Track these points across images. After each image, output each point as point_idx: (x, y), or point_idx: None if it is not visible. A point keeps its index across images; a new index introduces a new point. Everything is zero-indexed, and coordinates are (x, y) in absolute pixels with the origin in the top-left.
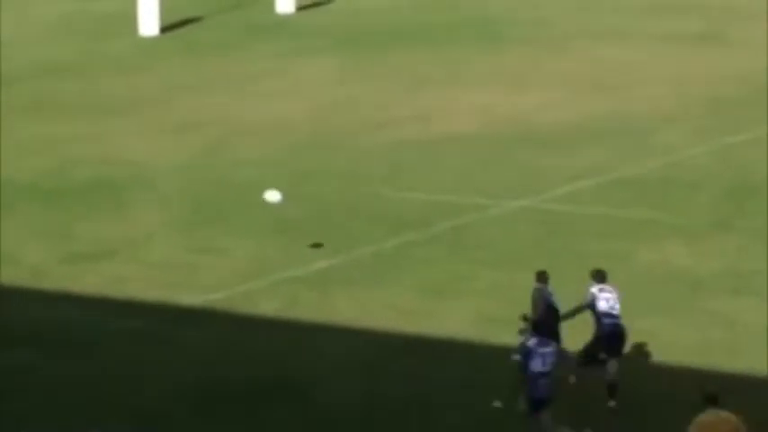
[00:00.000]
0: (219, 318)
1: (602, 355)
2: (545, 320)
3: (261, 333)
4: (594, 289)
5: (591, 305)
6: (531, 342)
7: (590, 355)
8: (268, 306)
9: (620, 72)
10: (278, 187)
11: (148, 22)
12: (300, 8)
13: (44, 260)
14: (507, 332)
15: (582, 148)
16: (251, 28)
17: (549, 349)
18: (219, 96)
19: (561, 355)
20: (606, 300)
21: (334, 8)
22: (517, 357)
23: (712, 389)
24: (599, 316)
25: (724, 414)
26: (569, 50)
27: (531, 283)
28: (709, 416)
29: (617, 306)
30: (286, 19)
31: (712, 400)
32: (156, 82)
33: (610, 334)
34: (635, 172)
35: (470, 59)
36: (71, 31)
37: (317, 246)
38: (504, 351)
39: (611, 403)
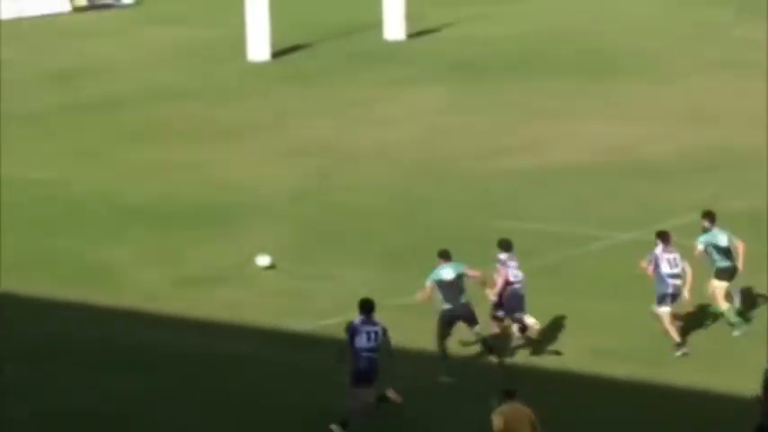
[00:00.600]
0: (331, 343)
1: None
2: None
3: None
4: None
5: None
6: (357, 320)
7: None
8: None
9: (734, 103)
10: (388, 214)
11: (258, 49)
12: (410, 36)
13: (157, 284)
14: (620, 365)
15: (694, 179)
16: (360, 55)
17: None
18: (329, 123)
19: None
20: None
21: (445, 36)
22: None
23: (510, 387)
24: None
25: (519, 405)
26: (682, 81)
27: (644, 314)
28: (508, 407)
29: None
30: (396, 46)
31: (510, 395)
32: (265, 108)
33: None
34: (749, 204)
35: (583, 90)
36: (182, 57)
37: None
38: (616, 383)
39: None
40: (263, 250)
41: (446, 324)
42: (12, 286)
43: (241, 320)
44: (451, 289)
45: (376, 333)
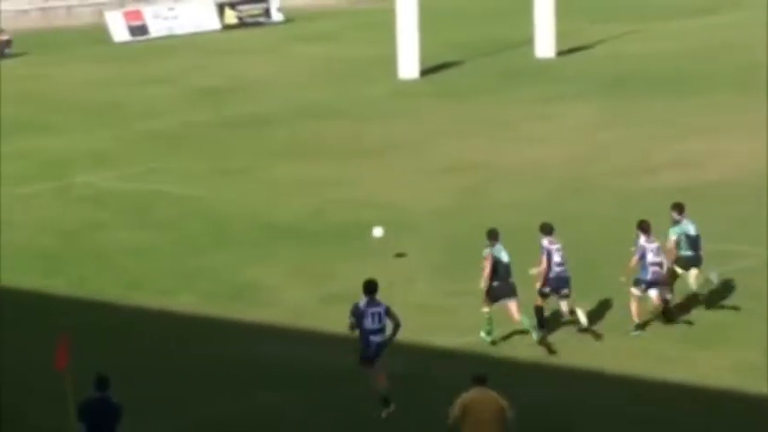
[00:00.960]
0: (476, 360)
1: None
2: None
3: (517, 377)
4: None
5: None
6: (362, 302)
7: None
8: (526, 350)
9: None
10: (536, 232)
11: (408, 66)
12: (560, 53)
13: (304, 300)
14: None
15: None
16: (510, 73)
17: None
18: (478, 140)
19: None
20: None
21: (595, 53)
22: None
23: (480, 371)
24: None
25: (487, 391)
26: None
27: None
28: (475, 392)
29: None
30: (546, 64)
31: (480, 381)
32: (415, 125)
33: None
34: None
35: (734, 107)
36: (332, 75)
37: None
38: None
39: None
40: (410, 267)
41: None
42: (160, 304)
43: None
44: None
45: (380, 314)
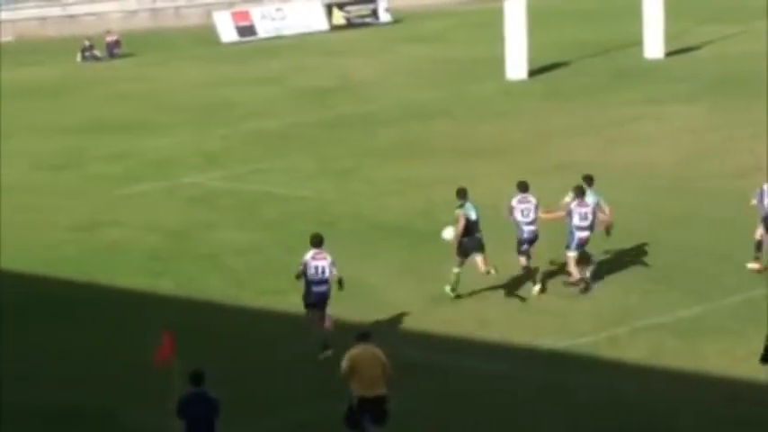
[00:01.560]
0: (585, 362)
1: None
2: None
3: (627, 379)
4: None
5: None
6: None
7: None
8: (633, 352)
9: None
10: (646, 233)
11: (516, 67)
12: (669, 54)
13: (410, 300)
14: None
15: None
16: (619, 73)
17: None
18: (586, 141)
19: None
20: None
21: (704, 54)
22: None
23: (365, 328)
24: None
25: (371, 347)
26: None
27: None
28: (359, 348)
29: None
30: (655, 64)
31: (363, 338)
32: (522, 126)
33: None
34: None
35: None
36: (438, 75)
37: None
38: None
39: None
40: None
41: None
42: (267, 303)
43: (494, 338)
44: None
45: (324, 267)
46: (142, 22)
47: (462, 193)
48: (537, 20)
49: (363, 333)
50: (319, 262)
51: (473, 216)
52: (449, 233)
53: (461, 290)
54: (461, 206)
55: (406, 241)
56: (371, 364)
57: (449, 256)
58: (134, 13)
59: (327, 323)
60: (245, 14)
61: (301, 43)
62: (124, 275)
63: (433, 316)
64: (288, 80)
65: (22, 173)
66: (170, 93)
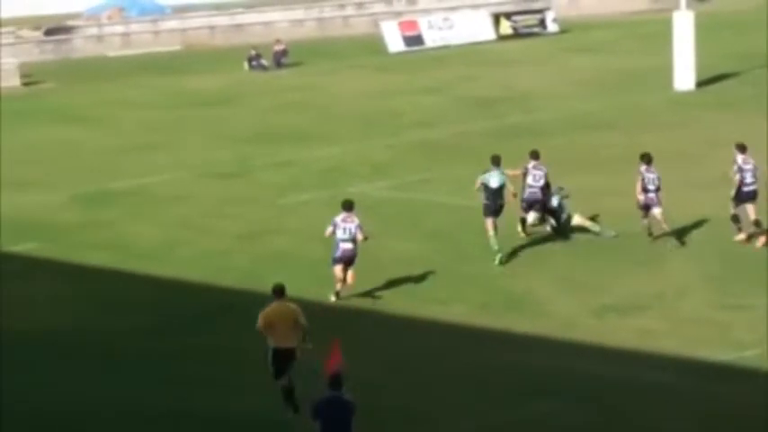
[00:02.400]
0: (751, 375)
1: None
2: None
3: None
4: None
5: None
6: (339, 217)
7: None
8: None
9: None
10: None
11: (684, 77)
12: None
13: (575, 312)
14: None
15: None
16: None
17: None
18: (756, 153)
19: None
20: None
21: None
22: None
23: (279, 283)
24: None
25: (285, 303)
26: None
27: None
28: (274, 305)
29: None
30: None
31: (279, 293)
32: (690, 136)
33: None
34: None
35: None
36: (606, 86)
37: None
38: None
39: None
40: (681, 279)
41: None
42: (433, 313)
43: (657, 349)
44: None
45: (351, 229)
46: (309, 32)
47: (495, 161)
48: (706, 30)
49: (278, 289)
50: (348, 224)
51: (493, 184)
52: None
53: (627, 303)
54: (486, 172)
55: (572, 251)
56: (284, 318)
57: (614, 267)
58: (301, 22)
59: (351, 280)
60: (413, 24)
61: (468, 53)
62: (291, 284)
63: (599, 328)
64: (454, 89)
65: (191, 181)
66: (336, 102)
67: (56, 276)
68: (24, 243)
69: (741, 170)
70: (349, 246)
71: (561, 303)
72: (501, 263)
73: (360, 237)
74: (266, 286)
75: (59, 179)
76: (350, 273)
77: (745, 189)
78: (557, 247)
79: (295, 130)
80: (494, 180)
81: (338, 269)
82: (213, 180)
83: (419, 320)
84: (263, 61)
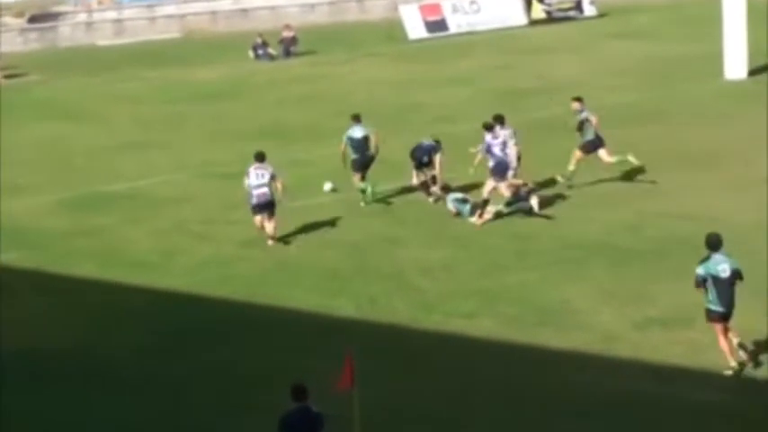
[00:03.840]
0: None
1: None
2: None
3: None
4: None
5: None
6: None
7: None
8: None
9: None
10: None
11: (735, 65)
12: None
13: (616, 325)
14: None
15: None
16: None
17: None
18: None
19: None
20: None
21: None
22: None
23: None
24: None
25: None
26: None
27: None
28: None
29: None
30: None
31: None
32: (742, 130)
33: None
34: None
35: None
36: (649, 75)
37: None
38: None
39: None
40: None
41: None
42: (459, 327)
43: (705, 365)
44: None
45: (264, 174)
46: (321, 17)
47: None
48: (757, 13)
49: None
50: (261, 170)
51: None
52: (328, 186)
53: (671, 315)
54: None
55: (612, 259)
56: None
57: (657, 275)
58: (312, 6)
59: (271, 230)
60: (436, 8)
61: (497, 39)
62: (299, 295)
63: (642, 342)
64: (482, 80)
65: (191, 182)
66: (351, 95)
67: (41, 289)
68: (6, 252)
69: None
70: (263, 190)
71: (600, 315)
72: (367, 202)
73: (279, 185)
74: (273, 298)
75: (45, 181)
76: (270, 224)
77: None
78: (595, 253)
79: (306, 126)
80: (358, 131)
81: (257, 219)
82: (215, 181)
83: (443, 335)
84: (271, 50)
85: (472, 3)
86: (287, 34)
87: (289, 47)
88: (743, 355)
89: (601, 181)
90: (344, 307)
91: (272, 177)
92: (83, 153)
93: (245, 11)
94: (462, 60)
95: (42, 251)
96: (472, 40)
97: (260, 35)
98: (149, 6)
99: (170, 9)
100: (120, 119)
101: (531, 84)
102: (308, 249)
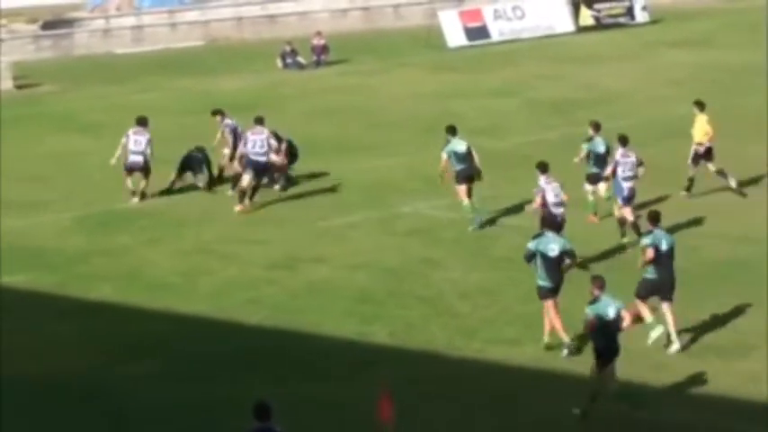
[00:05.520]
0: None
1: None
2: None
3: None
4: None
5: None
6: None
7: None
8: None
9: None
10: None
11: None
12: None
13: (666, 353)
14: None
15: None
16: None
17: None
18: None
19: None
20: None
21: None
22: None
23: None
24: None
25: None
26: None
27: None
28: None
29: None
30: None
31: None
32: None
33: None
34: None
35: None
36: (704, 85)
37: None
38: None
39: None
40: None
41: None
42: (500, 355)
43: (761, 399)
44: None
45: (141, 141)
46: (354, 23)
47: (451, 130)
48: None
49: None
50: (138, 137)
51: (460, 150)
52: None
53: (727, 343)
54: (448, 142)
55: None
56: None
57: (714, 300)
58: (344, 12)
59: (143, 187)
60: (476, 14)
61: (542, 47)
62: (330, 321)
63: (692, 370)
64: (525, 91)
65: (214, 199)
66: (386, 106)
67: (56, 314)
68: (19, 274)
69: None
70: (138, 158)
71: (650, 342)
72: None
73: (148, 151)
74: (303, 324)
75: (60, 198)
76: (143, 182)
77: None
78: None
79: (337, 139)
80: (460, 146)
81: (129, 181)
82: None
83: (484, 363)
84: (300, 58)
85: (515, 8)
86: (317, 42)
87: (319, 55)
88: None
89: (659, 200)
90: (378, 333)
91: (148, 142)
92: (99, 168)
93: (272, 17)
94: (505, 70)
95: (57, 272)
96: (516, 48)
97: (288, 43)
98: (170, 12)
99: (192, 15)
100: None
101: (578, 94)
102: (340, 271)
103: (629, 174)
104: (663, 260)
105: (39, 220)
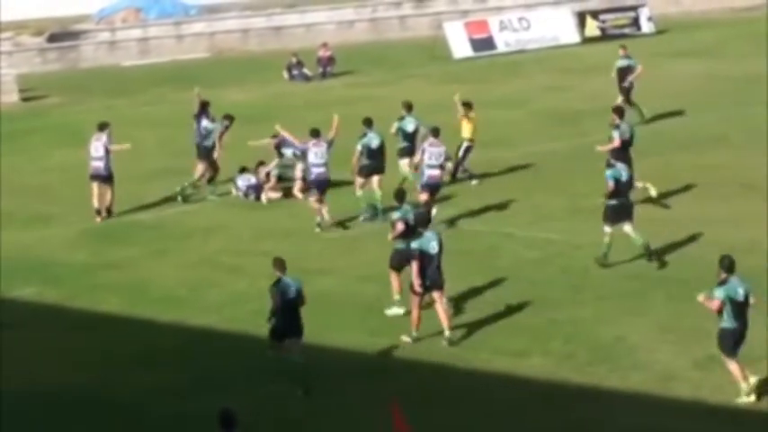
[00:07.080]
0: None
1: None
2: None
3: None
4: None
5: None
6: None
7: None
8: None
9: None
10: None
11: None
12: None
13: (675, 363)
14: None
15: None
16: None
17: None
18: None
19: None
20: None
21: None
22: None
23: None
24: None
25: None
26: None
27: None
28: None
29: None
30: None
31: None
32: None
33: None
34: None
35: None
36: (710, 96)
37: None
38: None
39: None
40: None
41: None
42: (508, 366)
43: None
44: None
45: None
46: (360, 35)
47: (368, 122)
48: None
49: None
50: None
51: (374, 144)
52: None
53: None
54: (364, 136)
55: (672, 293)
56: None
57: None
58: (350, 24)
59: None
60: (482, 25)
61: (548, 58)
62: (338, 333)
63: (703, 382)
64: (531, 102)
65: (222, 211)
66: (392, 117)
67: (63, 326)
68: (25, 287)
69: None
70: (98, 164)
71: (659, 353)
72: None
73: (105, 155)
74: (310, 335)
75: (66, 211)
76: (108, 196)
77: None
78: (652, 284)
79: (343, 152)
80: (375, 141)
81: (94, 199)
82: (245, 210)
83: (490, 374)
84: (306, 70)
85: (521, 19)
86: (323, 53)
87: (325, 67)
88: None
89: (663, 209)
90: (385, 345)
91: (105, 148)
92: None
93: (278, 29)
94: (511, 81)
95: (64, 285)
96: (521, 59)
97: (294, 54)
98: (176, 24)
99: (198, 27)
100: (146, 144)
101: (583, 106)
102: (347, 283)
103: (435, 162)
104: (739, 308)
105: (45, 233)
